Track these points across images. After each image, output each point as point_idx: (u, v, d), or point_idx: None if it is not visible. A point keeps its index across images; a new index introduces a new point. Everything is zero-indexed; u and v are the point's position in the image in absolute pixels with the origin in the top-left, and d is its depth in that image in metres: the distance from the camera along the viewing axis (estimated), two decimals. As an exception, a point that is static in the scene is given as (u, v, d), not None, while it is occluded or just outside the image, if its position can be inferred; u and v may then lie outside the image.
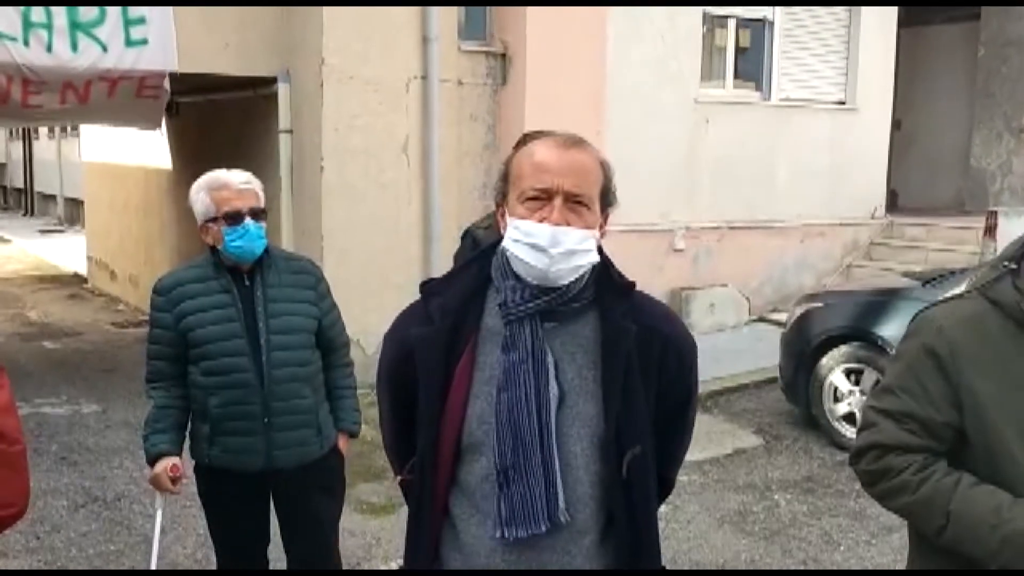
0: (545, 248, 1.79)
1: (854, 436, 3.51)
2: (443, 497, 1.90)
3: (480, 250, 2.02)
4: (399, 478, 2.07)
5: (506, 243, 1.86)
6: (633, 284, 1.95)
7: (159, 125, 8.19)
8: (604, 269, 1.93)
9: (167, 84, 6.82)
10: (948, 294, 2.10)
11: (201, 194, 3.16)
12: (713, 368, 7.76)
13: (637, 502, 1.88)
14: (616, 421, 1.84)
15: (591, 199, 1.85)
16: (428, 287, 1.97)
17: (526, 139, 1.96)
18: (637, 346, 1.88)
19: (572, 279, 1.84)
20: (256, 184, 3.21)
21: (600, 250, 1.91)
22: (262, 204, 3.19)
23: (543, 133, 1.93)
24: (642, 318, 1.91)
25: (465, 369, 1.87)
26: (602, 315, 1.90)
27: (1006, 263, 1.97)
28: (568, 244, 1.80)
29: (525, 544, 1.83)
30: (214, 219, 3.13)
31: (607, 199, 1.91)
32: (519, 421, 1.81)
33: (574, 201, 1.82)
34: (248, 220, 3.11)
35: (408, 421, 1.97)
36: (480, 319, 1.90)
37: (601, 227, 1.91)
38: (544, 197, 1.82)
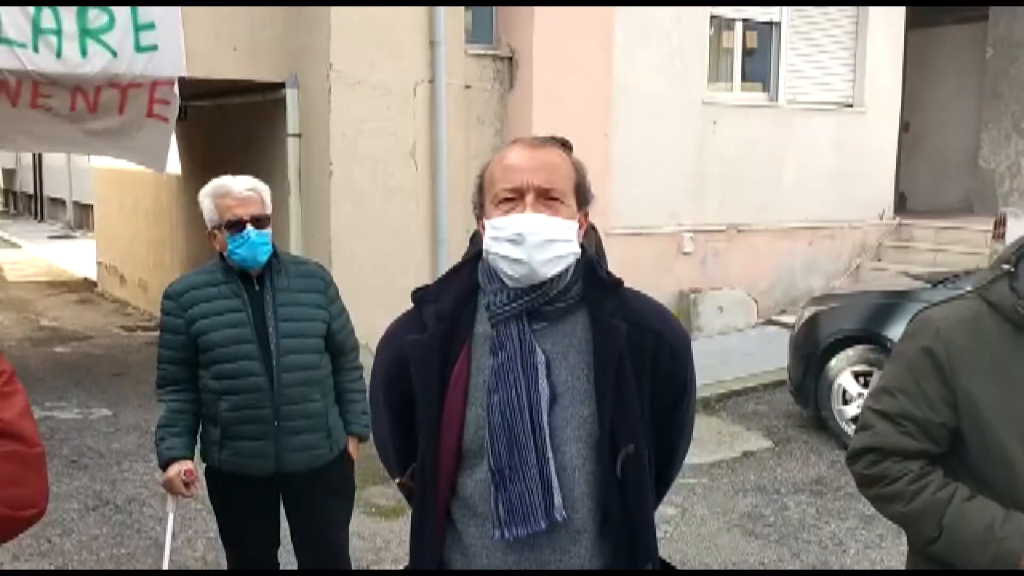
0: (522, 238, 1.79)
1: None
2: (445, 502, 1.91)
3: (467, 256, 2.02)
4: (398, 480, 2.08)
5: (486, 244, 1.87)
6: (620, 281, 1.95)
7: (164, 165, 7.46)
8: (590, 267, 1.93)
9: (176, 90, 6.84)
10: (947, 296, 2.11)
11: (206, 201, 3.18)
12: (722, 370, 7.76)
13: (632, 500, 1.88)
14: (610, 421, 1.84)
15: (564, 193, 1.86)
16: (421, 294, 1.98)
17: None
18: (629, 344, 1.87)
19: (556, 271, 1.84)
20: (261, 190, 3.21)
21: (584, 249, 1.92)
22: (267, 210, 3.19)
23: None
24: (632, 315, 1.90)
25: (461, 375, 1.87)
26: (591, 314, 1.89)
27: (1003, 265, 1.97)
28: (544, 233, 1.80)
29: (524, 544, 1.84)
30: (219, 227, 3.15)
31: (583, 196, 1.91)
32: (512, 421, 1.81)
33: (547, 197, 1.83)
34: (249, 228, 3.11)
35: (407, 428, 1.97)
36: (472, 325, 1.91)
37: (581, 224, 1.91)
38: (516, 197, 1.83)
